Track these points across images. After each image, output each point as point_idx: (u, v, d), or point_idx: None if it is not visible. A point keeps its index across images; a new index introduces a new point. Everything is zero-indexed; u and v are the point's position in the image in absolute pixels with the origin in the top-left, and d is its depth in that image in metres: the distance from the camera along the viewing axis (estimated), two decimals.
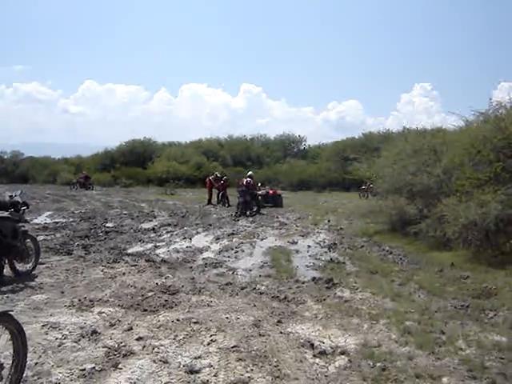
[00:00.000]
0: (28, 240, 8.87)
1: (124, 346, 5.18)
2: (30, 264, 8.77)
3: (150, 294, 7.43)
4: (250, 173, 24.29)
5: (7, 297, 7.10)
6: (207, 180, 28.95)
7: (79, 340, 5.35)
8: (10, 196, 8.76)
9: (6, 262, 8.25)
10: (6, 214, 8.27)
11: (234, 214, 20.97)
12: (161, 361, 4.81)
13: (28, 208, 9.25)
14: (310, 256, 11.02)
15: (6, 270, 8.38)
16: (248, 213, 21.15)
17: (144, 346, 5.20)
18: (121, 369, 4.62)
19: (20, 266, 8.55)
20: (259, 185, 26.58)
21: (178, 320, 6.14)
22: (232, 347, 5.20)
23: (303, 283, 8.42)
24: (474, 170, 11.13)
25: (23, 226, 8.84)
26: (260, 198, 23.63)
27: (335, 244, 12.61)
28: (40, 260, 9.20)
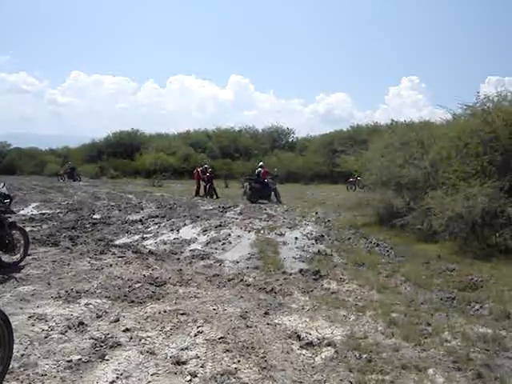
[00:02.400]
0: (15, 231, 8.81)
1: (111, 337, 5.17)
2: (18, 255, 8.71)
3: (137, 285, 7.41)
4: (260, 163, 25.60)
5: None
6: (195, 171, 28.85)
7: (66, 331, 5.33)
8: None
9: None
10: None
11: (244, 197, 23.69)
12: (148, 352, 4.81)
13: (12, 201, 9.17)
14: (297, 248, 11.04)
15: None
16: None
17: (131, 338, 5.20)
18: (108, 360, 4.61)
19: (6, 258, 8.50)
20: (274, 173, 27.38)
21: (165, 311, 6.13)
22: (219, 338, 5.20)
23: (290, 275, 8.44)
24: (460, 163, 11.20)
25: (10, 218, 8.78)
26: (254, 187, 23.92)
27: (322, 236, 12.64)
28: None
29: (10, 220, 8.80)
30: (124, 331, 5.39)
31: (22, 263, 8.67)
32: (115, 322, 5.73)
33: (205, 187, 27.14)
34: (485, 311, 6.42)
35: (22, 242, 8.88)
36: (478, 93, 12.32)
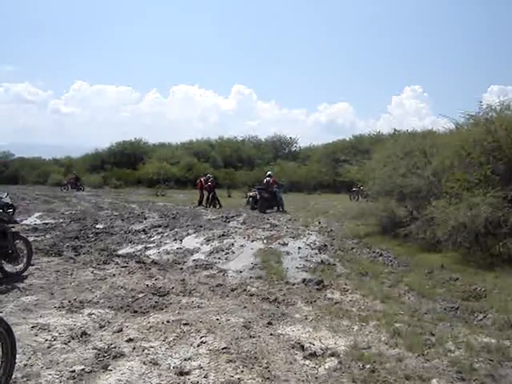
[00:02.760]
0: (18, 241, 8.82)
1: (114, 347, 5.16)
2: (21, 265, 8.72)
3: (140, 295, 7.41)
4: (269, 172, 26.14)
5: None
6: (198, 181, 28.89)
7: (69, 341, 5.33)
8: None
9: None
10: None
11: (249, 206, 24.47)
12: (151, 362, 4.80)
13: (15, 210, 9.19)
14: (300, 258, 11.02)
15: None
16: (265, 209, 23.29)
17: (134, 348, 5.19)
18: (111, 370, 4.61)
19: (10, 267, 8.51)
20: (281, 182, 27.81)
21: (168, 321, 6.13)
22: (222, 349, 5.19)
23: (293, 285, 8.43)
24: (463, 172, 11.20)
25: (13, 228, 8.80)
26: (252, 199, 24.23)
27: (326, 246, 12.62)
28: None
29: (14, 230, 8.82)
30: (127, 341, 5.39)
31: (25, 273, 8.68)
32: (118, 332, 5.72)
33: (207, 197, 27.11)
34: (488, 321, 6.41)
35: (25, 251, 8.90)
36: (481, 102, 12.35)
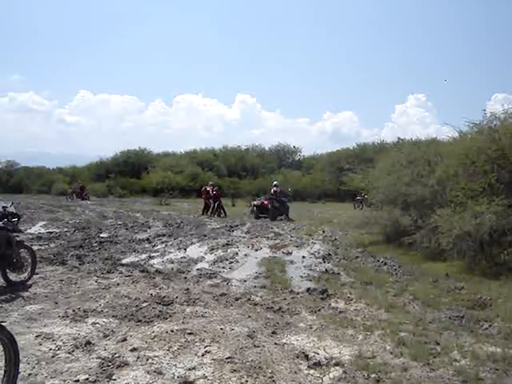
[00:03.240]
0: (23, 250, 8.84)
1: (118, 356, 5.15)
2: (25, 274, 8.75)
3: (144, 304, 7.40)
4: (275, 182, 27.26)
5: (0, 307, 7.06)
6: (203, 190, 28.97)
7: (73, 351, 5.32)
8: (3, 207, 8.74)
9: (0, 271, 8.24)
10: None
11: (253, 215, 25.36)
12: (155, 372, 4.78)
13: (19, 219, 9.21)
14: (304, 267, 11.01)
15: (0, 281, 8.38)
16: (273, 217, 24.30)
17: (138, 357, 5.18)
18: (115, 380, 4.59)
19: (14, 276, 8.53)
20: (289, 190, 29.28)
21: (172, 331, 6.11)
22: (226, 358, 5.17)
23: (298, 294, 8.41)
24: (468, 180, 11.17)
25: (17, 237, 8.82)
26: (256, 208, 24.73)
27: (330, 255, 12.61)
28: None
29: (18, 239, 8.83)
30: (131, 351, 5.38)
31: (30, 282, 8.70)
32: (122, 341, 5.71)
33: (213, 206, 27.17)
34: (494, 330, 6.37)
35: (30, 260, 8.92)
36: (485, 110, 12.32)
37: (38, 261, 9.41)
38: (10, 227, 8.49)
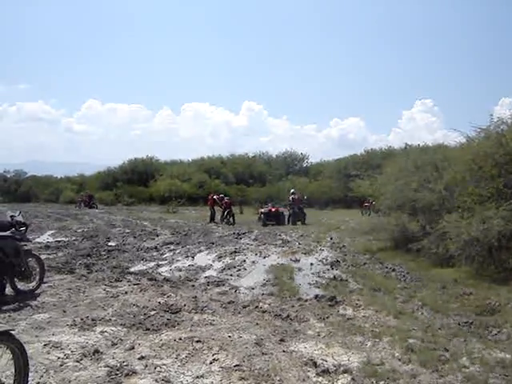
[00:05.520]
0: (31, 259, 8.88)
1: (126, 365, 5.16)
2: (34, 283, 8.79)
3: (152, 312, 7.41)
4: (292, 190, 29.88)
5: (9, 316, 7.08)
6: (210, 197, 29.15)
7: (81, 359, 5.33)
8: (11, 216, 8.79)
9: (8, 280, 8.28)
10: (7, 233, 8.30)
11: (261, 222, 26.19)
12: (163, 380, 4.79)
13: (27, 228, 9.26)
14: (312, 274, 10.98)
15: (8, 290, 8.41)
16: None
17: (146, 366, 5.18)
18: None
19: (22, 285, 8.56)
20: (304, 198, 30.82)
21: (180, 339, 6.11)
22: (234, 366, 5.17)
23: (306, 301, 8.40)
24: (475, 186, 11.12)
25: (25, 245, 8.86)
26: (264, 215, 25.39)
27: (338, 261, 12.56)
28: None
29: (26, 248, 8.87)
30: (139, 359, 5.38)
31: (38, 291, 8.73)
32: (130, 349, 5.72)
33: (222, 212, 27.38)
34: (503, 336, 6.34)
35: (38, 269, 8.95)
36: (492, 115, 12.27)
37: (46, 270, 9.43)
38: (18, 236, 8.53)
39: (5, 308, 7.49)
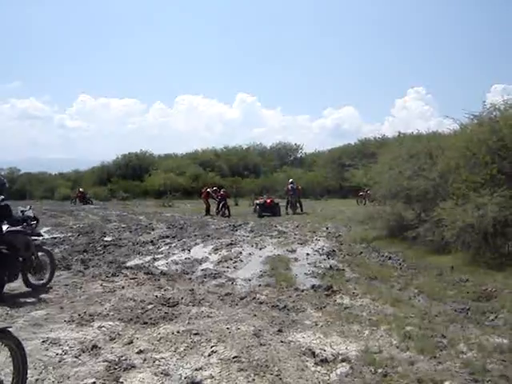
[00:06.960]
0: (42, 253, 8.93)
1: (125, 359, 5.16)
2: (46, 276, 8.88)
3: (149, 306, 7.41)
4: (291, 180, 29.91)
5: (6, 313, 7.07)
6: (204, 190, 29.12)
7: (79, 355, 5.32)
8: (22, 211, 8.81)
9: (20, 275, 8.34)
10: (18, 227, 8.30)
11: (256, 214, 26.17)
12: (162, 373, 4.79)
13: (38, 223, 9.31)
14: (308, 264, 11.01)
15: (20, 284, 8.50)
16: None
17: (145, 359, 5.18)
18: (122, 383, 4.60)
19: (34, 279, 8.61)
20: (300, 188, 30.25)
21: (178, 332, 6.11)
22: (233, 358, 5.17)
23: (303, 291, 8.42)
24: (469, 172, 11.14)
25: (36, 240, 8.90)
26: (259, 207, 25.30)
27: (334, 251, 12.60)
28: None
29: (37, 242, 8.93)
30: (138, 353, 5.38)
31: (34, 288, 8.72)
32: (129, 344, 5.71)
33: (218, 205, 27.36)
34: (500, 321, 6.37)
35: (49, 263, 8.99)
36: (484, 102, 12.28)
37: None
38: (28, 231, 8.56)
39: (2, 305, 7.47)
